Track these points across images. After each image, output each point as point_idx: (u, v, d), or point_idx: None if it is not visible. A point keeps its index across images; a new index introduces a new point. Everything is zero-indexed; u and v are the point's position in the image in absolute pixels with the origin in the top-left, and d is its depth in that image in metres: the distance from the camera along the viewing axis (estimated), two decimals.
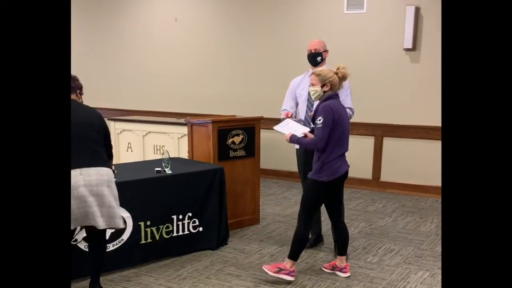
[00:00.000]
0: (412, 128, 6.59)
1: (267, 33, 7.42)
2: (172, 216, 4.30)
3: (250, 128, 5.12)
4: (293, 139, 3.85)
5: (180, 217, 4.36)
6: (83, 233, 3.81)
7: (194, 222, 4.45)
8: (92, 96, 9.06)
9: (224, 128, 4.94)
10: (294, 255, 3.85)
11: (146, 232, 4.17)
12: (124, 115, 7.74)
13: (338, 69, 3.77)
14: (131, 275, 3.99)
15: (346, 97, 4.26)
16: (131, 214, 4.03)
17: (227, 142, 4.95)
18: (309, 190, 3.85)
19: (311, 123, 3.87)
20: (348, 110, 4.23)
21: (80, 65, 9.19)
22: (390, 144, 6.82)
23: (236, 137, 5.02)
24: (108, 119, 7.56)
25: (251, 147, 5.14)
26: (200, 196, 4.47)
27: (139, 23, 8.53)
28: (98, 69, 9.01)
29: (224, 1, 7.75)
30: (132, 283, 3.87)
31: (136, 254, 4.14)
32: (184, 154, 5.75)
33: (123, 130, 6.96)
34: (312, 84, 3.77)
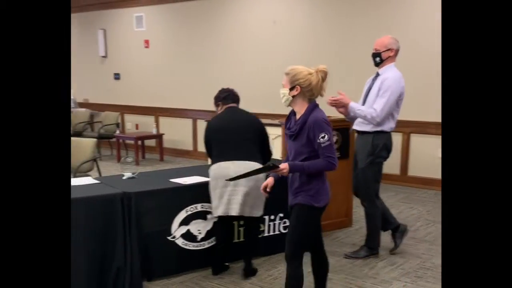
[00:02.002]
0: None
1: (365, 33, 7.28)
2: (264, 217, 4.34)
3: (345, 129, 5.04)
4: (296, 167, 3.02)
5: (272, 217, 4.39)
6: (182, 230, 3.97)
7: (285, 222, 4.46)
8: (190, 97, 9.39)
9: None
10: None
11: (239, 231, 4.25)
12: None
13: (317, 70, 3.06)
14: (224, 273, 4.08)
15: (380, 98, 4.06)
16: None
17: None
18: (302, 218, 3.08)
19: (291, 138, 3.10)
20: (371, 109, 4.04)
21: (178, 67, 9.54)
22: None
23: None
24: (205, 120, 7.79)
25: (345, 148, 5.06)
26: None
27: (238, 26, 8.69)
28: (196, 71, 9.30)
29: (323, 2, 7.70)
30: (224, 280, 3.95)
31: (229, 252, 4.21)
32: (278, 155, 5.78)
33: None
34: (282, 85, 3.08)
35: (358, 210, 5.77)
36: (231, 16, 8.75)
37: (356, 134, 4.41)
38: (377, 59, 4.21)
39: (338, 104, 4.13)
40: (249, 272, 4.01)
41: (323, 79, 3.05)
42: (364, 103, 4.21)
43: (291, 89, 3.03)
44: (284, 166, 3.01)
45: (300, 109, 3.05)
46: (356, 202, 5.91)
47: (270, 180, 3.23)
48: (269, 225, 4.40)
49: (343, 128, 5.00)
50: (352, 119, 4.29)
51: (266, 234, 4.39)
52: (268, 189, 3.25)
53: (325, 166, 3.01)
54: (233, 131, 3.91)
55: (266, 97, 8.42)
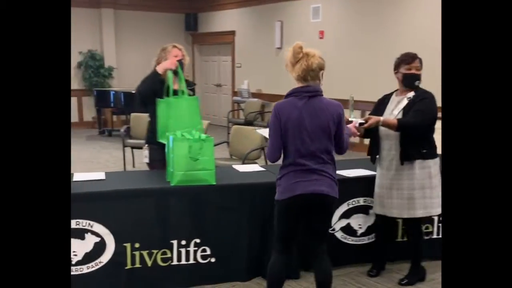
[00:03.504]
0: None
1: None
2: (434, 216, 4.00)
3: None
4: None
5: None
6: (342, 223, 3.90)
7: None
8: (359, 88, 9.20)
9: None
10: None
11: (402, 230, 4.02)
12: None
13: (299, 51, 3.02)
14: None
15: None
16: None
17: None
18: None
19: None
20: None
21: (349, 58, 9.40)
22: None
23: None
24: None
25: None
26: None
27: (413, 17, 8.28)
28: (367, 62, 9.06)
29: None
30: (383, 279, 3.83)
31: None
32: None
33: None
34: None
35: None
36: (406, 7, 8.36)
37: None
38: None
39: None
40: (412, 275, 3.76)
41: (292, 63, 3.08)
42: None
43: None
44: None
45: None
46: None
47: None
48: (438, 227, 4.09)
49: None
50: None
51: (434, 236, 4.09)
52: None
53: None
54: None
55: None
